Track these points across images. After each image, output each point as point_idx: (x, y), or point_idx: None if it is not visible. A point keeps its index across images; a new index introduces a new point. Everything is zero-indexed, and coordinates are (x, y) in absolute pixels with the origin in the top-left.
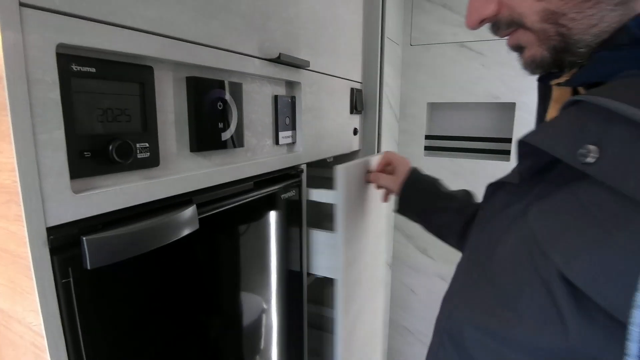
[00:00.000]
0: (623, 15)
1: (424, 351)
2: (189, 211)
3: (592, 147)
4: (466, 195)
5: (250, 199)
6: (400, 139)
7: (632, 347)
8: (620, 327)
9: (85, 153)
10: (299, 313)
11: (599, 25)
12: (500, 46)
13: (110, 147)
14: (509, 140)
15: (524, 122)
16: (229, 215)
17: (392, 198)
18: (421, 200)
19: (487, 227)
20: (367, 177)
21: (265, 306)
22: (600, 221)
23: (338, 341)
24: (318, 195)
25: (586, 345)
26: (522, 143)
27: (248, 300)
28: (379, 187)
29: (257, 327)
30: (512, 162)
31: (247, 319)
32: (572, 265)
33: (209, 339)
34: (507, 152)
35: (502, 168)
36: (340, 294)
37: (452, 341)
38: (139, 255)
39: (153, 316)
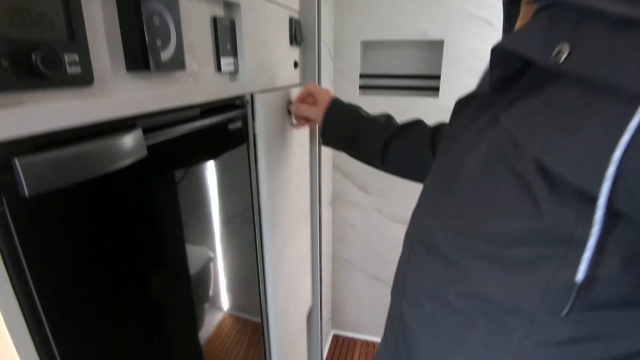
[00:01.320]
0: None
1: (364, 279)
2: (135, 134)
3: (564, 44)
4: (386, 118)
5: (197, 126)
6: (336, 79)
7: (599, 214)
8: (589, 204)
9: (2, 60)
10: (252, 251)
11: None
12: None
13: (34, 56)
14: (438, 77)
15: (452, 60)
16: (175, 146)
17: (306, 128)
18: (344, 127)
19: (454, 143)
20: (288, 107)
21: (215, 244)
22: (574, 112)
23: (268, 266)
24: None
25: (558, 224)
26: (495, 51)
27: (197, 239)
28: (299, 118)
29: (205, 272)
30: (441, 99)
31: (194, 260)
32: (550, 153)
33: (157, 280)
34: (436, 89)
35: (434, 105)
36: (265, 222)
37: (424, 245)
38: (81, 187)
39: (102, 255)
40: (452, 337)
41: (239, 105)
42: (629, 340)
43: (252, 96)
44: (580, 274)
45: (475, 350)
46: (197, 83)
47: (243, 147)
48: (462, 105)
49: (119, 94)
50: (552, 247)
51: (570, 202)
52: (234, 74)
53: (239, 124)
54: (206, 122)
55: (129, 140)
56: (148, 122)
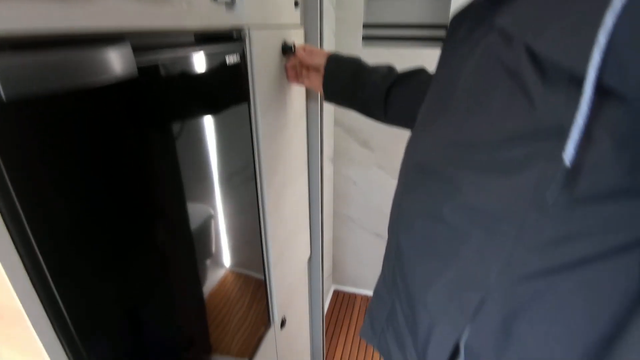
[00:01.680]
0: None
1: (365, 236)
2: (123, 47)
3: None
4: (388, 67)
5: (191, 51)
6: (338, 29)
7: (587, 90)
8: (578, 86)
9: None
10: (252, 199)
11: None
12: None
13: None
14: (445, 27)
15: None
16: (170, 77)
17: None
18: (345, 77)
19: (449, 60)
20: (299, 48)
21: (216, 191)
22: None
23: (266, 209)
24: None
25: (549, 114)
26: None
27: (196, 189)
28: (294, 70)
29: (206, 228)
30: None
31: (192, 203)
32: (540, 37)
33: (152, 221)
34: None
35: None
36: (264, 166)
37: (418, 169)
38: (70, 106)
39: (93, 183)
40: (445, 253)
41: (236, 38)
42: (618, 234)
43: (248, 31)
44: (568, 157)
45: (468, 263)
46: (191, 8)
47: (243, 87)
48: (457, 23)
49: (103, 3)
50: (544, 142)
51: (560, 87)
52: (230, 4)
53: (236, 58)
54: (199, 49)
55: (117, 53)
56: (138, 42)
